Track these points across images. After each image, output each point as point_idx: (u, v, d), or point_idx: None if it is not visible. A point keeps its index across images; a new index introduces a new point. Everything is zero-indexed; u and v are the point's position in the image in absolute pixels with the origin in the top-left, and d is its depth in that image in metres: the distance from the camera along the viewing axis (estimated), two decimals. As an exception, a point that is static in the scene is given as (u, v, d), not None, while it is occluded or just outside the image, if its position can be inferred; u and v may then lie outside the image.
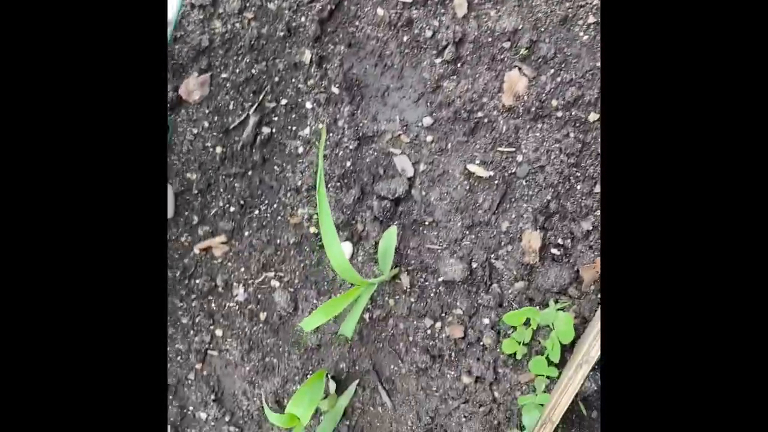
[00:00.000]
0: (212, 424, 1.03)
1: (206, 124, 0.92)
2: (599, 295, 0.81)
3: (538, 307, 0.82)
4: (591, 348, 0.77)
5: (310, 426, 0.96)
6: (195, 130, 0.92)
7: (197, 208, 0.96)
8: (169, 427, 1.04)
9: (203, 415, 1.03)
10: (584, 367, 0.77)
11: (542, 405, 0.82)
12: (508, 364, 0.86)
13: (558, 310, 0.81)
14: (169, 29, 0.84)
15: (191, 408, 1.04)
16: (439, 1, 0.83)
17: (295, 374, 0.97)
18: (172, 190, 0.94)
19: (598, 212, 0.81)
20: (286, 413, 0.82)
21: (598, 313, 0.78)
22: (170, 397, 1.05)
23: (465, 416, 0.88)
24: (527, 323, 0.83)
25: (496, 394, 0.86)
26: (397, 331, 0.91)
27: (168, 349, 1.04)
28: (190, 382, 1.03)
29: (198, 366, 1.02)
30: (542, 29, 0.80)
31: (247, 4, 0.90)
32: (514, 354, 0.85)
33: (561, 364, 0.82)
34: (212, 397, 1.02)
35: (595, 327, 0.77)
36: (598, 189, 0.80)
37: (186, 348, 1.02)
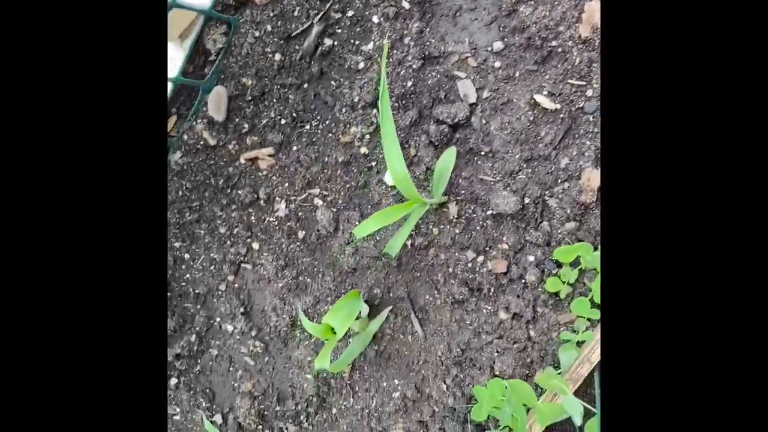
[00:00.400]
0: (237, 337, 1.03)
1: (269, 28, 0.90)
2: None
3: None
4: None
5: (337, 348, 0.96)
6: (257, 33, 0.90)
7: (248, 116, 0.95)
8: (194, 336, 1.04)
9: (230, 328, 1.03)
10: (631, 310, 0.76)
11: (580, 346, 0.81)
12: (548, 304, 0.84)
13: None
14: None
15: (218, 319, 1.04)
16: None
17: (327, 295, 0.97)
18: (226, 92, 0.92)
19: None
20: (323, 323, 0.82)
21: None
22: (198, 306, 1.04)
23: (497, 351, 0.87)
24: (575, 264, 0.81)
25: (532, 333, 0.85)
26: (437, 261, 0.90)
27: (201, 258, 1.03)
28: (220, 293, 1.03)
29: (230, 278, 1.02)
30: (631, -40, 0.77)
31: None
32: (557, 293, 0.83)
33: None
34: (241, 310, 1.01)
35: None
36: (666, 133, 0.78)
37: (221, 258, 1.01)
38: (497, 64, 0.83)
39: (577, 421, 0.71)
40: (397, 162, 0.71)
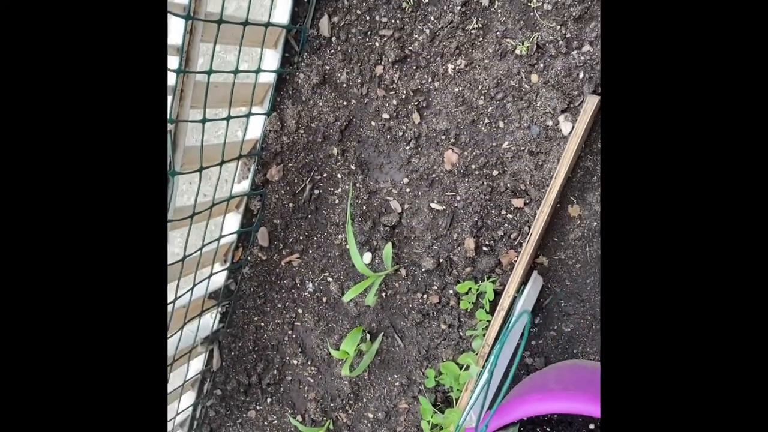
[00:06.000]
0: (300, 367, 1.71)
1: (282, 192, 1.59)
2: (513, 270, 1.42)
3: (475, 281, 1.44)
4: (504, 299, 1.39)
5: (356, 363, 1.62)
6: (276, 195, 1.60)
7: (282, 240, 1.64)
8: (275, 370, 1.73)
9: (295, 362, 1.71)
10: (502, 313, 1.39)
11: (484, 336, 1.44)
12: (465, 315, 1.48)
13: (490, 282, 1.43)
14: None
15: (287, 358, 1.72)
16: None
17: (347, 332, 1.63)
18: (267, 230, 1.62)
19: (506, 224, 1.42)
20: (341, 350, 1.49)
21: (509, 280, 1.39)
22: (274, 352, 1.73)
23: (444, 348, 1.51)
24: (469, 291, 1.46)
25: (461, 333, 1.49)
26: (401, 302, 1.55)
27: (271, 324, 1.72)
28: (285, 342, 1.71)
29: (290, 332, 1.70)
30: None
31: (299, 119, 1.56)
32: (468, 309, 1.47)
33: (492, 312, 1.43)
34: (299, 350, 1.69)
35: (508, 290, 1.39)
36: (504, 212, 1.41)
37: (281, 322, 1.70)
38: (407, 190, 1.49)
39: (473, 374, 1.34)
40: (357, 259, 1.38)
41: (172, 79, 1.15)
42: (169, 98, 1.16)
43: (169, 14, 1.10)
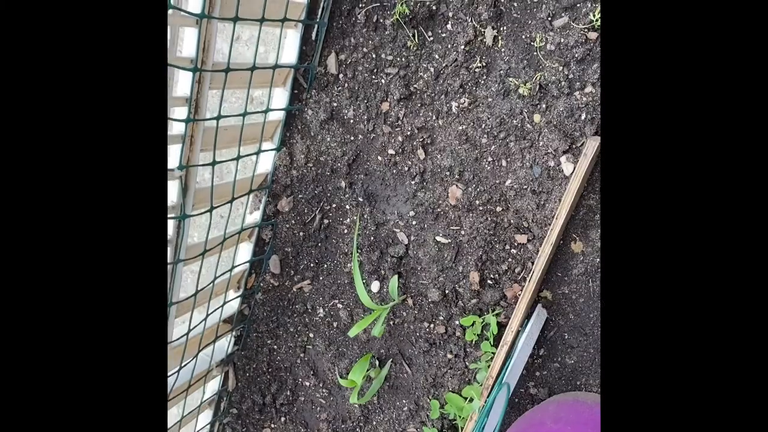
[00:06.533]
0: (312, 388, 1.76)
1: (293, 222, 1.64)
2: (517, 305, 1.44)
3: (479, 313, 1.47)
4: (508, 334, 1.41)
5: (365, 388, 1.67)
6: (287, 225, 1.65)
7: (293, 267, 1.69)
8: (288, 391, 1.79)
9: (307, 383, 1.76)
10: (505, 347, 1.41)
11: (489, 367, 1.46)
12: (471, 346, 1.51)
13: (494, 315, 1.45)
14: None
15: (300, 380, 1.77)
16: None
17: (356, 357, 1.68)
18: (278, 258, 1.67)
19: (510, 259, 1.44)
20: (348, 379, 1.53)
21: (512, 315, 1.41)
22: (287, 374, 1.79)
23: (450, 377, 1.54)
24: (474, 323, 1.48)
25: (467, 363, 1.52)
26: (409, 330, 1.59)
27: (284, 347, 1.78)
28: (298, 364, 1.77)
29: (302, 355, 1.75)
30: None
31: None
32: (473, 341, 1.50)
33: (496, 344, 1.46)
34: (311, 372, 1.75)
35: (512, 325, 1.41)
36: (508, 246, 1.43)
37: (294, 345, 1.76)
38: (414, 222, 1.52)
39: (476, 408, 1.37)
40: (363, 295, 1.42)
41: (181, 128, 1.20)
42: (179, 146, 1.21)
43: (176, 68, 1.15)
